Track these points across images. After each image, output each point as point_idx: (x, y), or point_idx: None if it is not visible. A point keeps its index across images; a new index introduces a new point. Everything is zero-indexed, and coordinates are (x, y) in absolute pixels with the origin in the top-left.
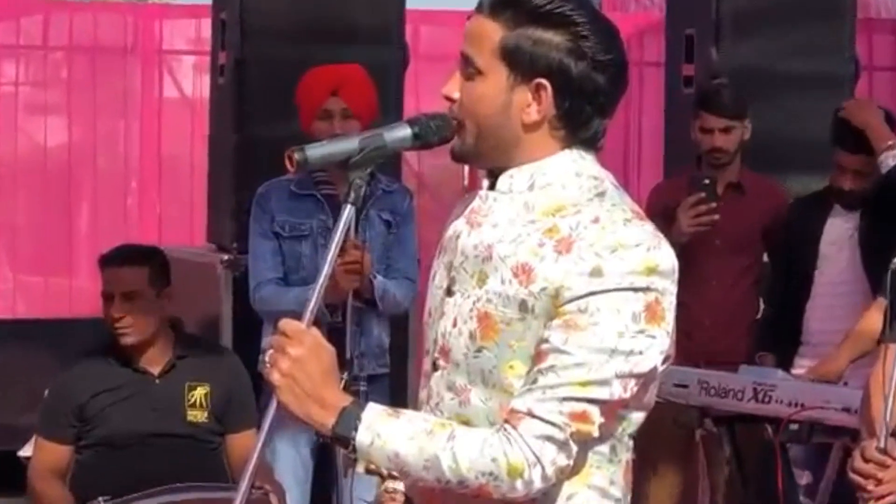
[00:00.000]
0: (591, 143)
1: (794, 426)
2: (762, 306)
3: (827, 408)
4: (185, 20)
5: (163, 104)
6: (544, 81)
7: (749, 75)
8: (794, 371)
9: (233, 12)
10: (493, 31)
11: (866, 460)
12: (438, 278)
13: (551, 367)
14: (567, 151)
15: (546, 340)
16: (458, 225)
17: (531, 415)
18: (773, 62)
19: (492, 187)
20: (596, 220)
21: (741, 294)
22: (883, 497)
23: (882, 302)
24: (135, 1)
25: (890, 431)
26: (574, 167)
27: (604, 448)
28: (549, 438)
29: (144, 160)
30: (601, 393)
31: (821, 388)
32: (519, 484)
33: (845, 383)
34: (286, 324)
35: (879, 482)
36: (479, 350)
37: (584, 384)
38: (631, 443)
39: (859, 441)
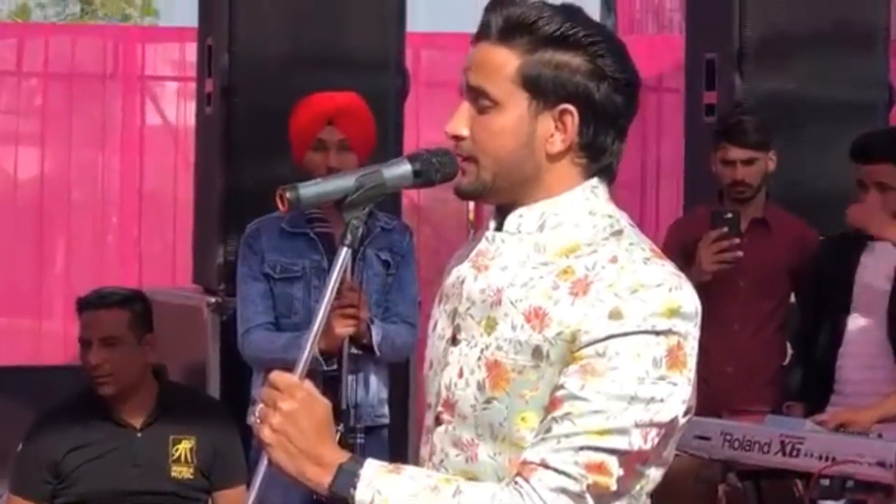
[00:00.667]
0: (608, 172)
1: (825, 481)
2: (789, 352)
3: (860, 462)
4: (170, 44)
5: (145, 134)
6: (570, 107)
7: (775, 104)
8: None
9: (220, 37)
10: (508, 58)
11: None
12: (440, 327)
13: (567, 415)
14: (579, 189)
15: (561, 387)
16: (462, 269)
17: (545, 465)
18: (802, 90)
19: (499, 227)
20: (614, 260)
21: (767, 339)
22: None
23: None
24: (115, 23)
25: None
26: (587, 205)
27: None
28: (564, 491)
29: (125, 194)
30: (620, 442)
31: (854, 441)
32: None
33: (879, 435)
34: (277, 376)
35: None
36: (488, 401)
37: (601, 433)
38: (649, 502)
39: (895, 497)
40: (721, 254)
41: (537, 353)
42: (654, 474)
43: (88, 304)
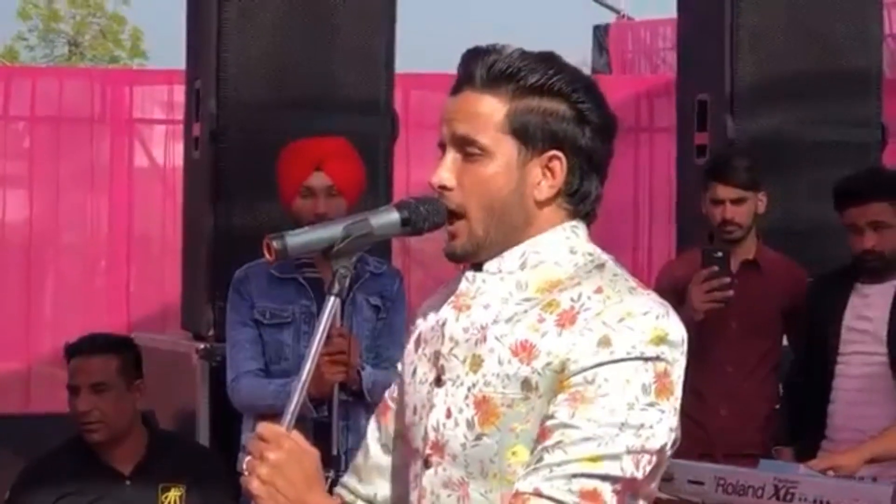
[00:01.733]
0: (591, 215)
1: None
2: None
3: None
4: (159, 86)
5: (133, 176)
6: (558, 153)
7: (767, 145)
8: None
9: (208, 80)
10: (494, 107)
11: None
12: (421, 372)
13: (558, 444)
14: (559, 228)
15: (551, 416)
16: (442, 312)
17: (538, 494)
18: (794, 130)
19: (476, 269)
20: (599, 290)
21: (760, 381)
22: None
23: None
24: (104, 65)
25: None
26: (567, 244)
27: None
28: None
29: (113, 237)
30: (613, 468)
31: (849, 485)
32: None
33: (874, 479)
34: (263, 427)
35: None
36: (478, 438)
37: (594, 459)
38: None
39: None
40: (712, 293)
41: (526, 384)
42: None
43: (77, 351)
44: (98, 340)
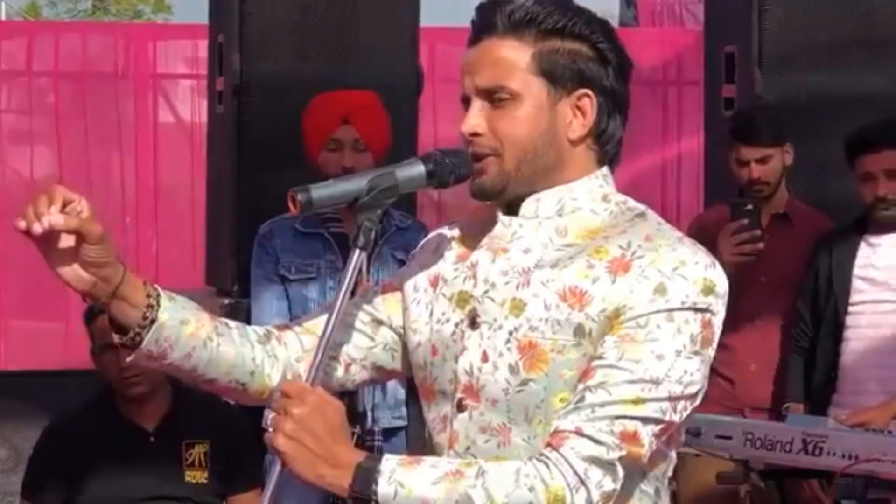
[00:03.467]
0: (615, 159)
1: (848, 480)
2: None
3: (884, 460)
4: (182, 41)
5: (159, 132)
6: (588, 91)
7: (795, 97)
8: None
9: (231, 34)
10: (520, 49)
11: None
12: (439, 311)
13: (601, 384)
14: (593, 176)
15: (598, 357)
16: (475, 255)
17: (579, 433)
18: (822, 83)
19: (508, 213)
20: (649, 239)
21: (789, 335)
22: None
23: None
24: (127, 20)
25: None
26: (601, 192)
27: (650, 489)
28: (597, 460)
29: (140, 193)
30: (654, 412)
31: (877, 440)
32: None
33: (890, 432)
34: (287, 384)
35: None
36: (523, 383)
37: (637, 402)
38: (669, 492)
39: None
40: (741, 246)
41: (579, 330)
42: (673, 456)
43: None
44: None
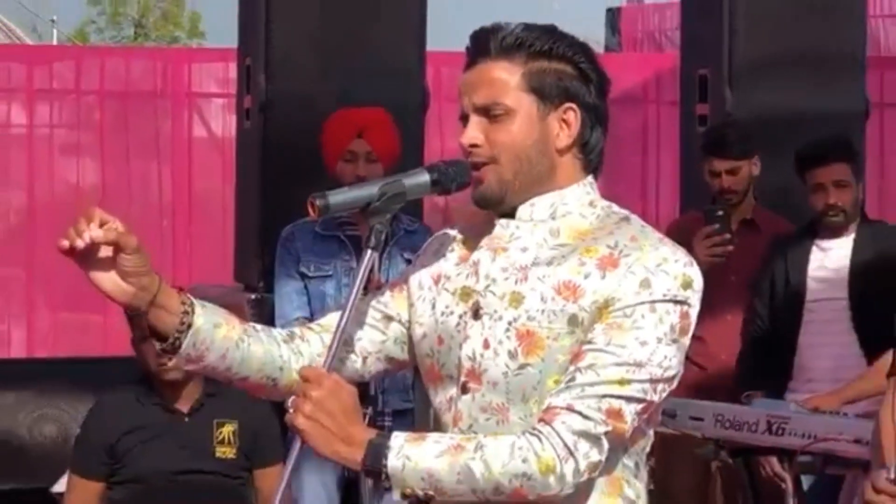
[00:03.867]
0: (598, 168)
1: (808, 458)
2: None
3: (839, 439)
4: (214, 63)
5: (193, 145)
6: (573, 105)
7: (763, 115)
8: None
9: (258, 57)
10: (511, 70)
11: (878, 491)
12: (443, 305)
13: (591, 366)
14: (580, 184)
15: (588, 342)
16: (475, 254)
17: (570, 409)
18: (787, 102)
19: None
20: (634, 239)
21: None
22: None
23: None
24: (165, 45)
25: None
26: (587, 198)
27: (630, 463)
28: (585, 434)
29: (176, 200)
30: (637, 392)
31: (833, 421)
32: (552, 480)
33: (845, 414)
34: (305, 369)
35: None
36: (521, 367)
37: (622, 382)
38: (647, 467)
39: (871, 472)
40: (713, 248)
41: (573, 320)
42: (650, 433)
43: None
44: None
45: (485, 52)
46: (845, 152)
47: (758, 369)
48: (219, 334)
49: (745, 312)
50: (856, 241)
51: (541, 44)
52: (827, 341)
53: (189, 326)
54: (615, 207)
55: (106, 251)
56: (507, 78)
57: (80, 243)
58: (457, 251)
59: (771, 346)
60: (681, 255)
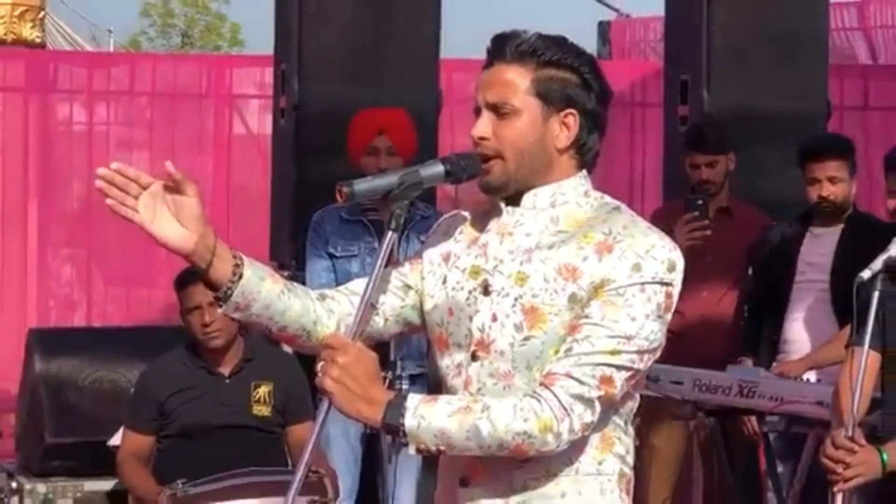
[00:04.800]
0: (592, 165)
1: (775, 418)
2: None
3: (803, 402)
4: (252, 68)
5: (233, 141)
6: (573, 111)
7: (736, 115)
8: None
9: (292, 63)
10: (523, 75)
11: (836, 447)
12: (453, 280)
13: (587, 338)
14: (576, 177)
15: (585, 316)
16: (484, 237)
17: (569, 376)
18: (758, 104)
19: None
20: (626, 228)
21: (729, 304)
22: (851, 479)
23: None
24: (209, 52)
25: (857, 422)
26: (582, 189)
27: (620, 422)
28: (580, 397)
29: (216, 190)
30: (626, 361)
31: (798, 385)
32: (550, 437)
33: (819, 381)
34: (331, 338)
35: (848, 466)
36: (526, 339)
37: (614, 353)
38: (635, 426)
39: (830, 431)
40: (693, 233)
41: (573, 298)
42: (637, 396)
43: (195, 277)
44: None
45: (501, 55)
46: (841, 150)
47: (751, 339)
48: (265, 286)
49: (731, 288)
50: (843, 231)
51: (551, 53)
52: (809, 318)
53: (240, 277)
54: (607, 198)
55: (164, 201)
56: (518, 81)
57: (132, 173)
58: (465, 233)
59: (763, 319)
60: (667, 241)
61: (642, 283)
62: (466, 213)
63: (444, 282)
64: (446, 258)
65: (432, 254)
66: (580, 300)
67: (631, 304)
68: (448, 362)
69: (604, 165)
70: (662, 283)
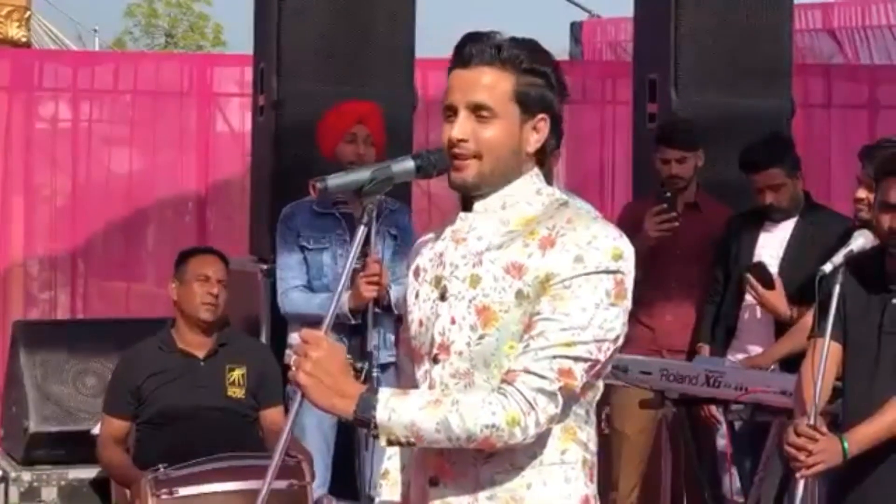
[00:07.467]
0: (545, 164)
1: (740, 406)
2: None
3: (767, 391)
4: (233, 67)
5: (213, 138)
6: (545, 116)
7: (703, 113)
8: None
9: (270, 62)
10: (505, 80)
11: (799, 435)
12: (424, 293)
13: (541, 333)
14: (527, 175)
15: (537, 313)
16: (438, 246)
17: (527, 371)
18: (724, 101)
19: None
20: (569, 221)
21: (697, 295)
22: (813, 466)
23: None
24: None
25: (818, 411)
26: (534, 187)
27: (581, 411)
28: (542, 391)
29: (199, 185)
30: (583, 352)
31: (762, 375)
32: (517, 431)
33: (773, 369)
34: (306, 333)
35: (810, 454)
36: (481, 337)
37: (569, 345)
38: (603, 414)
39: (793, 419)
40: (661, 224)
41: (520, 294)
42: (599, 385)
43: (210, 251)
44: (217, 251)
45: (482, 57)
46: (776, 158)
47: (710, 326)
48: None
49: (699, 278)
50: (796, 224)
51: (530, 61)
52: (763, 308)
53: None
54: (558, 193)
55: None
56: (501, 86)
57: None
58: (431, 247)
59: (720, 308)
60: (610, 230)
61: (586, 274)
62: (432, 232)
63: (417, 297)
64: (416, 274)
65: (411, 273)
66: (527, 296)
67: (578, 296)
68: (421, 372)
69: (576, 159)
70: (608, 272)
